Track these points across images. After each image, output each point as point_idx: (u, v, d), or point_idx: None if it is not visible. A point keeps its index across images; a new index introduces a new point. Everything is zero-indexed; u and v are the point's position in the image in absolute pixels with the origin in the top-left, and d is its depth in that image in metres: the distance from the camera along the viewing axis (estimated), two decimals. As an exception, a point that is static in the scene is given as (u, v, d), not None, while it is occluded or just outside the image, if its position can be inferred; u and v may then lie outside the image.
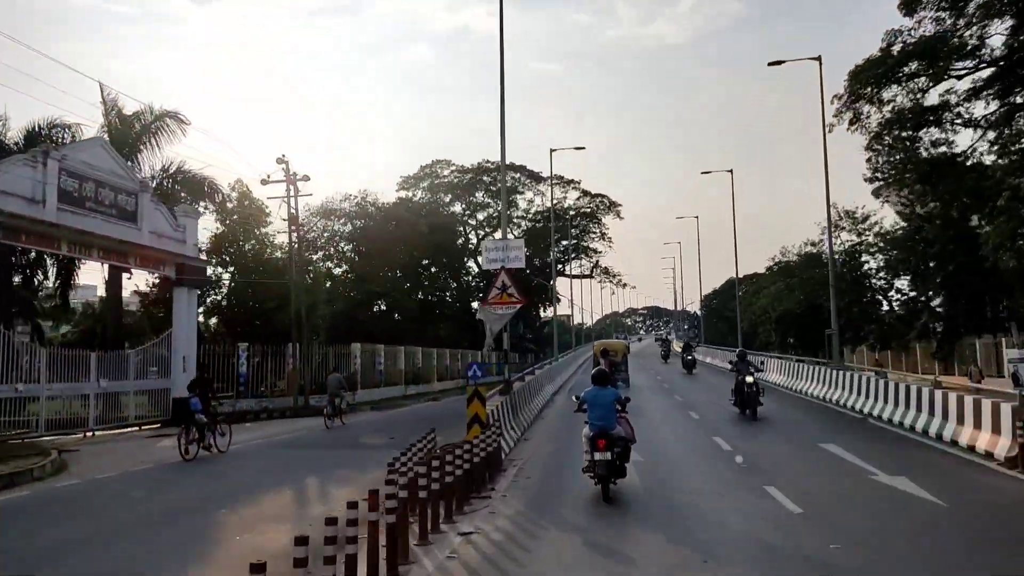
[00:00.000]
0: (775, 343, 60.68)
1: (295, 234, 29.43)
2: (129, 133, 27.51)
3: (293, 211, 28.63)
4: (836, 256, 42.52)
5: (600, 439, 10.26)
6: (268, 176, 27.88)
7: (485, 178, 70.10)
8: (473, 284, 68.20)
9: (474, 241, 72.24)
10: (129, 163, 26.04)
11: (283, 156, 27.59)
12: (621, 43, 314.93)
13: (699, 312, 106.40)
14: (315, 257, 40.01)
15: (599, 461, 10.22)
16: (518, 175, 72.29)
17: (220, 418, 17.72)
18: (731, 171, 52.31)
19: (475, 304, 64.23)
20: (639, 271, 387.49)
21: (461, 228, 70.29)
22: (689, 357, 45.64)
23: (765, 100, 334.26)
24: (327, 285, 38.66)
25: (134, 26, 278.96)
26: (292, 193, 27.85)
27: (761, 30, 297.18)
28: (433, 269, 53.59)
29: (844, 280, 47.09)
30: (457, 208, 71.05)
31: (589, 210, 76.23)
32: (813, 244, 52.90)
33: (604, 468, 10.22)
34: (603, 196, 76.38)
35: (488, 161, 69.75)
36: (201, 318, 30.44)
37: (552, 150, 44.19)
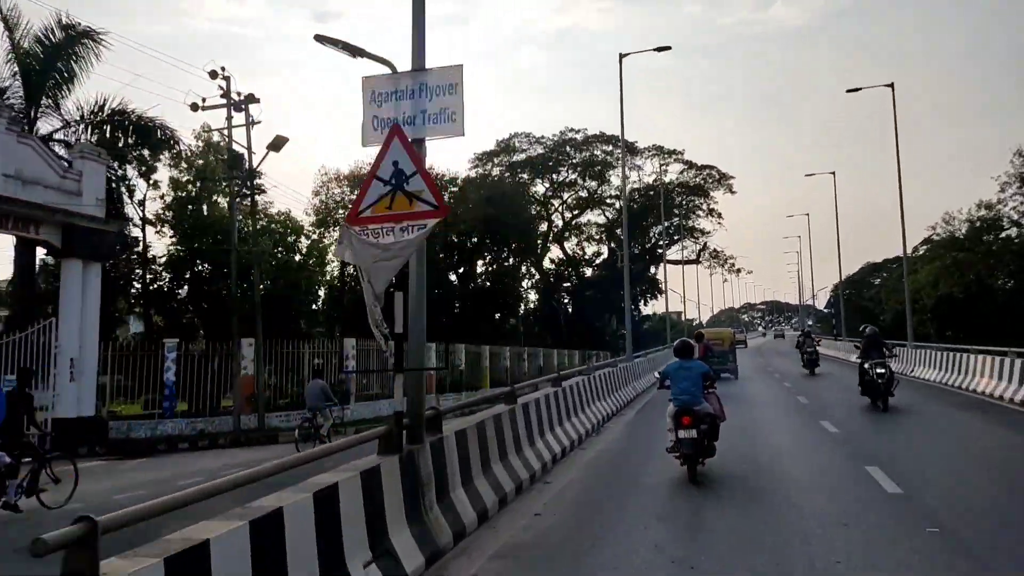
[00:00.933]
0: (931, 337, 48.94)
1: (243, 182, 21.10)
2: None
3: (240, 146, 20.14)
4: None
5: (685, 415, 9.43)
6: (203, 100, 19.79)
7: (569, 149, 60.64)
8: (554, 272, 59.32)
9: (559, 224, 63.09)
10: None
11: (222, 69, 19.39)
12: (734, 30, 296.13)
13: (835, 295, 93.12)
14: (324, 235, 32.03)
15: (684, 439, 9.35)
16: (609, 147, 62.53)
17: (52, 455, 11.31)
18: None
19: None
20: (756, 264, 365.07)
21: (542, 208, 61.15)
22: (810, 350, 31.41)
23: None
24: (328, 267, 30.32)
25: (261, 48, 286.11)
26: (244, 123, 19.47)
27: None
28: (495, 250, 44.51)
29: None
30: (540, 189, 62.12)
31: (695, 184, 65.27)
32: (988, 207, 40.28)
33: (690, 446, 9.32)
34: (711, 167, 65.21)
35: (572, 129, 60.30)
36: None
37: (622, 55, 30.25)
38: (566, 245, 63.09)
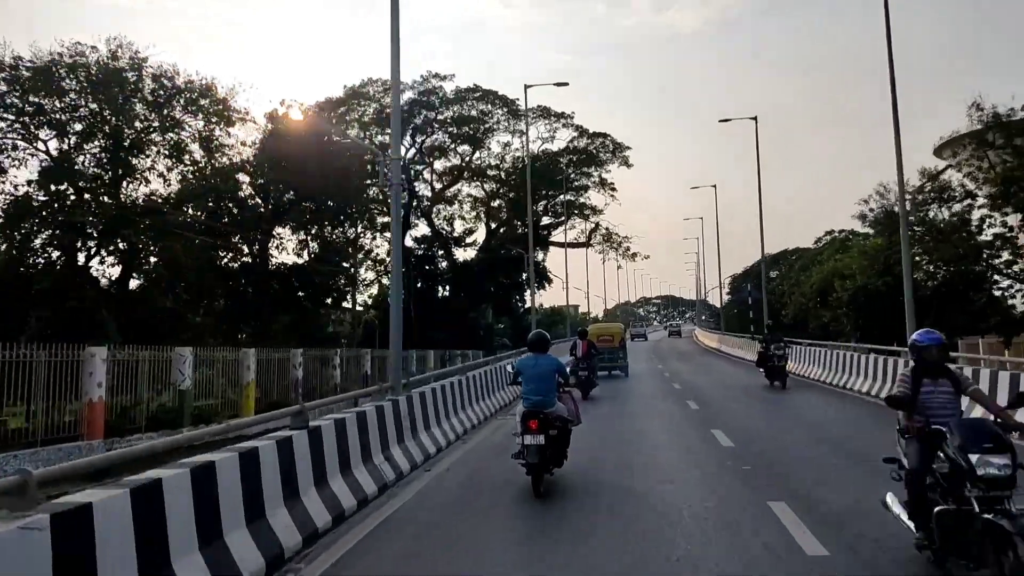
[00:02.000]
0: (847, 334, 41.29)
1: None
2: None
3: None
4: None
5: (532, 419, 8.63)
6: None
7: (435, 100, 50.43)
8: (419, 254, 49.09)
9: (427, 196, 52.91)
10: None
11: None
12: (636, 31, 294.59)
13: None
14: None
15: (530, 446, 8.48)
16: (489, 107, 52.89)
17: None
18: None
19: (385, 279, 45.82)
20: (655, 260, 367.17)
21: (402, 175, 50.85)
22: (780, 353, 22.55)
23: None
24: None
25: None
26: None
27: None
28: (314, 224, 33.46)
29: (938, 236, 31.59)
30: (409, 155, 51.67)
31: (587, 154, 56.53)
32: (932, 176, 32.70)
33: (535, 454, 8.44)
34: (605, 135, 56.65)
35: (437, 75, 50.25)
36: None
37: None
38: (435, 220, 53.10)
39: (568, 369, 11.64)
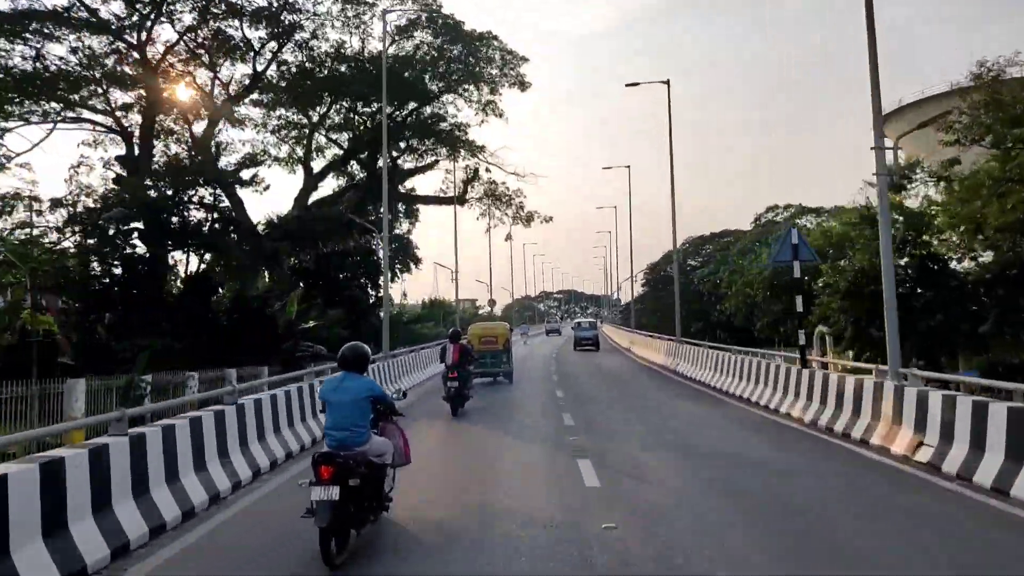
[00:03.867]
0: (846, 335, 29.17)
1: None
2: None
3: None
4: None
5: (326, 463, 6.41)
6: None
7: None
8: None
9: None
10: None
11: None
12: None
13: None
14: None
15: (319, 502, 6.21)
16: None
17: None
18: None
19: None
20: (562, 256, 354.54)
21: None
22: None
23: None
24: None
25: None
26: None
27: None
28: None
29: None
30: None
31: (462, 64, 38.07)
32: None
33: (326, 514, 6.16)
34: (491, 36, 38.33)
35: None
36: None
37: None
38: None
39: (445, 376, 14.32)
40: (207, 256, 28.02)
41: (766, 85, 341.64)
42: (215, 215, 29.18)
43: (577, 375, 28.29)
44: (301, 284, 32.34)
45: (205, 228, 27.99)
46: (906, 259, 26.33)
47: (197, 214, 28.05)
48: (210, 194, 28.87)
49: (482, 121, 39.64)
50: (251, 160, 33.44)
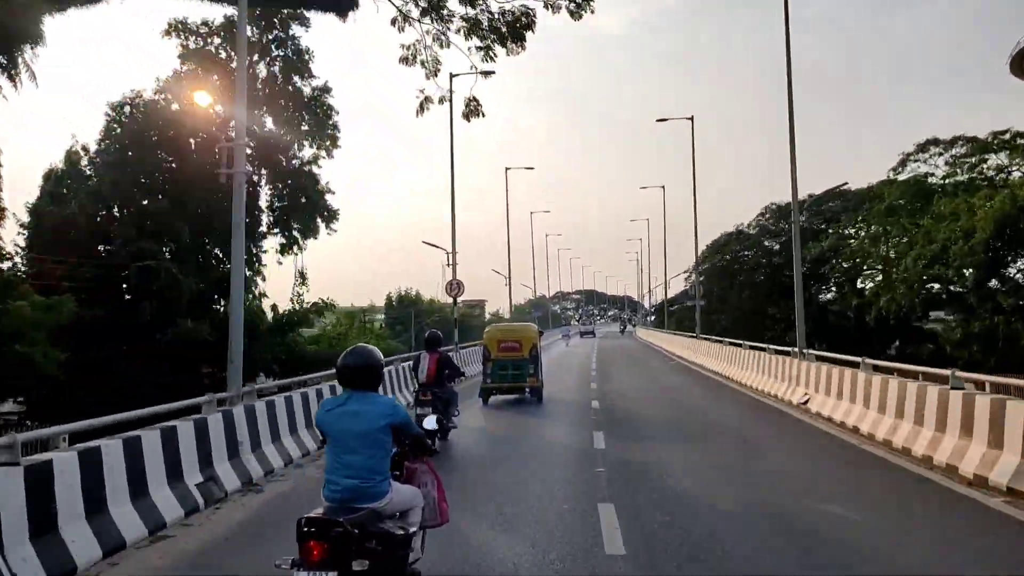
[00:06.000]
0: None
1: None
2: None
3: None
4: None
5: (317, 538, 4.10)
6: None
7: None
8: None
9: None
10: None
11: None
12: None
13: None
14: None
15: None
16: None
17: None
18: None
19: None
20: (604, 258, 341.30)
21: None
22: None
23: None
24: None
25: None
26: None
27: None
28: None
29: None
30: None
31: None
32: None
33: None
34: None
35: None
36: None
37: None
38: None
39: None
40: None
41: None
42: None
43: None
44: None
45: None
46: None
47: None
48: None
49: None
50: None
